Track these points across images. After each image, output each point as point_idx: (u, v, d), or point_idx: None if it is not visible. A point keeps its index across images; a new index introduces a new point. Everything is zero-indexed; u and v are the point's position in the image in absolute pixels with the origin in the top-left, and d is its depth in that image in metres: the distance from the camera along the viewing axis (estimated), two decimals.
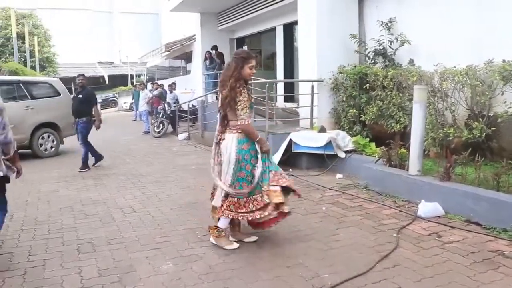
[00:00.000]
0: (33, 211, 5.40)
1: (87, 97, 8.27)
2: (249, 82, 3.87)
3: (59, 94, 10.65)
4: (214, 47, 14.87)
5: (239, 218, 3.81)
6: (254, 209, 3.71)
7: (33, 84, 10.51)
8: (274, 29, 13.05)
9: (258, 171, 3.69)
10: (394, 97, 6.78)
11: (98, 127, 8.36)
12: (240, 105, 3.64)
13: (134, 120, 21.18)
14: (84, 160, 8.24)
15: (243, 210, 3.72)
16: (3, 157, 3.52)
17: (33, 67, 26.67)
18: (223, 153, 3.76)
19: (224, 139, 3.78)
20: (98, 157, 8.60)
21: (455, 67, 5.89)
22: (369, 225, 4.44)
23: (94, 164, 8.48)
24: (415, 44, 7.25)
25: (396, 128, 6.81)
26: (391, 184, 5.48)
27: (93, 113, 8.28)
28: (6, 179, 3.63)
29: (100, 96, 32.90)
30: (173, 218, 4.89)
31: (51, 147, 10.26)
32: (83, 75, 8.55)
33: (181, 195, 5.99)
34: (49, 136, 10.25)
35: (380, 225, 4.43)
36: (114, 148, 11.43)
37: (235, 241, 3.95)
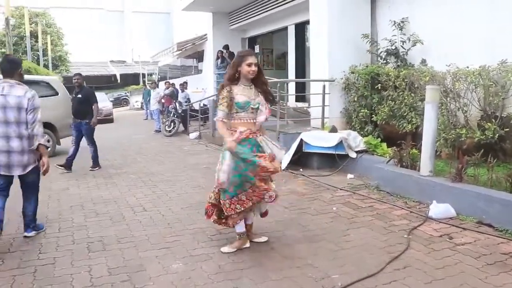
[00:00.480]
0: (43, 209, 5.43)
1: (86, 96, 8.11)
2: (259, 80, 3.80)
3: (57, 94, 10.28)
4: (226, 47, 14.89)
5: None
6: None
7: (29, 83, 10.23)
8: (285, 28, 13.03)
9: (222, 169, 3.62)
10: (406, 97, 6.73)
11: (94, 124, 8.16)
12: (219, 102, 3.71)
13: (146, 119, 21.31)
14: (94, 158, 8.23)
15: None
16: (31, 148, 4.13)
17: (45, 66, 26.88)
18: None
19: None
20: (97, 163, 8.31)
21: (468, 67, 5.83)
22: (380, 226, 4.42)
23: (92, 169, 8.14)
24: (427, 44, 7.19)
25: (407, 129, 6.76)
26: (403, 184, 5.45)
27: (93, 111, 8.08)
28: (30, 176, 4.25)
29: (112, 95, 33.26)
30: (183, 218, 4.91)
31: (47, 148, 9.95)
32: (79, 74, 8.46)
33: (191, 194, 6.01)
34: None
35: (391, 226, 4.41)
36: (125, 146, 11.51)
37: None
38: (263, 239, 4.04)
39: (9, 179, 4.16)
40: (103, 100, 21.70)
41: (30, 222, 4.42)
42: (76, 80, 8.24)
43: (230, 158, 3.58)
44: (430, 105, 5.12)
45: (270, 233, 4.25)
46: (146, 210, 5.29)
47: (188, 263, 3.63)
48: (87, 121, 8.04)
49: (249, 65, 3.65)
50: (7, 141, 4.04)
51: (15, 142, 4.06)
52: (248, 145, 3.66)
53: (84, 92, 8.17)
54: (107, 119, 20.34)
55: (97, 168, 8.18)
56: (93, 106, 8.13)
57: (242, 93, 3.69)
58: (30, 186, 4.37)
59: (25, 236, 4.37)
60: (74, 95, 8.24)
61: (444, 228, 4.28)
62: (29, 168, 4.20)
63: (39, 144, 4.14)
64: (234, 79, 3.71)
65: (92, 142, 8.19)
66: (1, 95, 4.07)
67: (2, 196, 4.14)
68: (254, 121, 3.74)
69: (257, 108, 3.72)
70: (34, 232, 4.43)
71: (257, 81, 3.79)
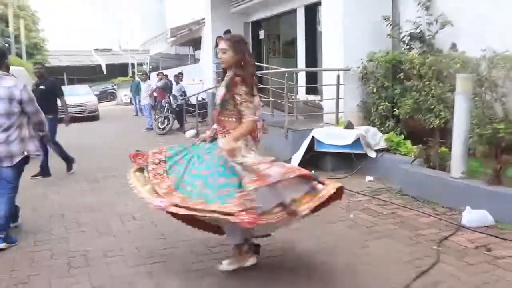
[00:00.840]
0: None
1: (50, 89, 7.93)
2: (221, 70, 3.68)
3: None
4: (227, 32, 14.86)
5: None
6: None
7: None
8: (294, 11, 12.98)
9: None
10: (433, 88, 6.68)
11: (67, 123, 8.03)
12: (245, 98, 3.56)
13: (135, 115, 21.34)
14: (44, 166, 7.76)
15: None
16: (39, 133, 4.97)
17: (18, 55, 26.88)
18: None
19: None
20: (71, 160, 8.21)
21: (507, 51, 5.76)
22: (405, 236, 4.39)
23: (69, 171, 8.08)
24: (458, 25, 7.11)
25: (435, 124, 6.70)
26: (430, 188, 5.42)
27: (62, 107, 7.95)
28: (26, 160, 4.66)
29: (96, 88, 33.30)
30: (179, 227, 4.80)
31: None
32: (40, 63, 8.47)
33: None
34: None
35: (418, 236, 4.37)
36: (112, 147, 11.51)
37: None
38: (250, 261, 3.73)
39: None
40: (87, 94, 21.64)
41: (1, 227, 4.39)
42: (38, 70, 8.14)
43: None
44: (462, 96, 5.08)
45: (278, 245, 4.22)
46: (136, 219, 5.27)
47: (185, 279, 3.59)
48: (51, 117, 7.46)
49: (218, 51, 3.58)
50: (22, 130, 4.57)
51: (3, 134, 4.40)
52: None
53: (47, 84, 8.00)
54: (92, 116, 20.11)
55: (40, 176, 7.70)
56: (60, 101, 7.98)
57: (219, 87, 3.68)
58: (9, 180, 4.51)
59: None
60: (35, 87, 7.87)
61: (480, 239, 4.23)
62: (17, 160, 4.49)
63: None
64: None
65: (54, 143, 7.79)
66: (17, 88, 4.51)
67: None
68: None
69: None
70: (4, 244, 4.38)
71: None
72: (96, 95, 25.70)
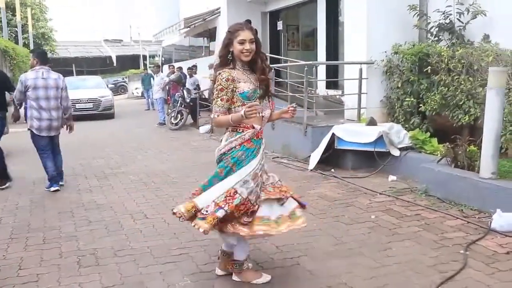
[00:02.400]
0: (25, 216, 5.54)
1: None
2: (256, 62, 3.48)
3: None
4: (248, 22, 14.88)
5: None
6: None
7: None
8: (315, 0, 12.96)
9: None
10: (462, 83, 6.63)
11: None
12: (214, 94, 3.41)
13: (147, 110, 21.51)
14: (2, 171, 7.12)
15: None
16: (65, 116, 6.96)
17: (26, 45, 27.12)
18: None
19: None
20: (6, 175, 7.18)
21: None
22: (429, 239, 4.37)
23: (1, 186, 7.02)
24: (491, 15, 7.03)
25: (464, 121, 6.66)
26: (457, 189, 5.38)
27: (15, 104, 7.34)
28: (58, 137, 7.04)
29: (107, 81, 33.54)
30: (192, 227, 4.90)
31: None
32: None
33: None
34: None
35: (443, 239, 4.35)
36: (123, 142, 11.64)
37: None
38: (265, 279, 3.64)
39: (48, 140, 6.77)
40: (100, 87, 19.87)
41: (60, 175, 6.98)
42: None
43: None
44: (494, 91, 5.03)
45: (296, 246, 4.23)
46: (148, 217, 5.33)
47: (198, 280, 3.64)
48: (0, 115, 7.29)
49: (242, 42, 3.35)
50: (49, 112, 6.62)
51: (54, 112, 6.69)
52: (257, 149, 3.45)
53: None
54: (107, 114, 18.34)
55: (6, 186, 7.04)
56: (10, 96, 7.45)
57: (245, 79, 3.40)
58: (58, 144, 7.08)
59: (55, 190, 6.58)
60: None
61: (511, 243, 4.19)
62: (60, 131, 6.98)
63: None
64: (226, 63, 3.43)
65: None
66: (42, 78, 6.59)
67: (49, 154, 6.79)
68: (262, 115, 3.49)
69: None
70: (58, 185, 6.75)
71: (255, 64, 3.47)
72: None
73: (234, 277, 3.60)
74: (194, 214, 3.35)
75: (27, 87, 6.51)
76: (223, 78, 3.32)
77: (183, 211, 3.34)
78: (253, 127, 3.38)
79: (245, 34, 3.35)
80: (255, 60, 3.45)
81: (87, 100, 17.99)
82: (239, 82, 3.36)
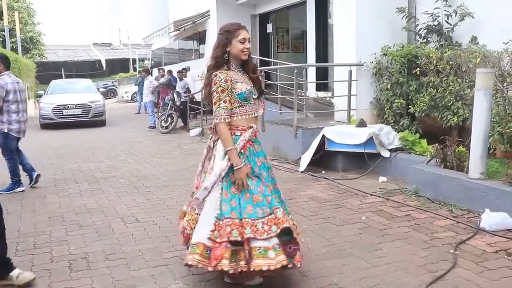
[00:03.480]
0: (15, 221, 5.48)
1: None
2: (249, 63, 3.53)
3: None
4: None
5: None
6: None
7: None
8: (304, 3, 13.01)
9: (204, 184, 3.44)
10: (451, 84, 6.68)
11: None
12: (213, 98, 3.36)
13: (137, 113, 21.45)
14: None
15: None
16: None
17: (14, 49, 26.93)
18: (215, 161, 3.49)
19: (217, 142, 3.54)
20: None
21: None
22: (419, 239, 4.40)
23: None
24: (479, 17, 7.10)
25: (453, 122, 6.70)
26: (447, 189, 5.41)
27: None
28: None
29: (96, 85, 33.36)
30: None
31: None
32: None
33: None
34: None
35: (433, 239, 4.38)
36: (113, 146, 11.59)
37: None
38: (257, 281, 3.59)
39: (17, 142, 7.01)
40: (90, 91, 18.24)
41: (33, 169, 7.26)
42: None
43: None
44: (482, 92, 5.07)
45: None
46: (139, 221, 5.32)
47: (190, 283, 3.64)
48: None
49: (243, 41, 3.38)
50: (24, 114, 6.92)
51: (26, 114, 7.01)
52: (258, 153, 3.49)
53: None
54: (97, 121, 16.76)
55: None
56: None
57: (241, 79, 3.43)
58: None
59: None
60: None
61: (500, 243, 4.23)
62: None
63: None
64: (222, 64, 3.42)
65: None
66: (16, 82, 6.84)
67: (16, 156, 6.99)
68: (256, 115, 3.54)
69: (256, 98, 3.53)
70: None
71: (247, 64, 3.51)
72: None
73: (227, 279, 3.59)
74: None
75: (8, 91, 6.63)
76: (221, 79, 3.32)
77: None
78: (251, 127, 3.44)
79: (245, 33, 3.41)
80: (247, 60, 3.48)
81: (75, 106, 16.32)
82: (236, 82, 3.38)
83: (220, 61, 3.42)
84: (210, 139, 3.66)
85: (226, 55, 3.41)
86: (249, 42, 3.42)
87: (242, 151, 3.39)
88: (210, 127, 3.64)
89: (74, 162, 9.29)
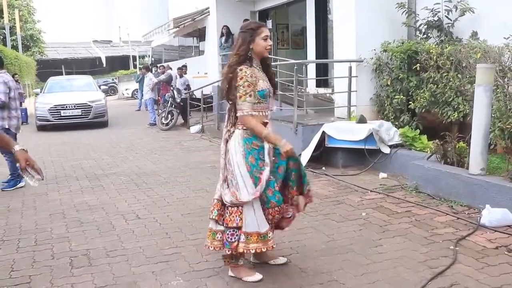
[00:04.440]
0: (16, 218, 5.51)
1: None
2: (269, 59, 3.69)
3: None
4: (246, 21, 14.88)
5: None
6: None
7: None
8: None
9: (264, 175, 3.46)
10: (451, 80, 6.67)
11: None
12: (239, 91, 3.42)
13: (138, 110, 21.44)
14: None
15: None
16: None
17: (14, 47, 26.90)
18: (231, 156, 3.54)
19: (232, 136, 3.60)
20: None
21: None
22: (420, 235, 4.40)
23: None
24: (479, 12, 7.09)
25: (453, 117, 6.70)
26: (447, 185, 5.41)
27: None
28: None
29: (96, 82, 33.37)
30: (184, 226, 4.94)
31: None
32: None
33: (193, 199, 6.05)
34: None
35: (433, 235, 4.38)
36: (113, 143, 11.60)
37: (257, 262, 3.87)
38: (282, 260, 3.89)
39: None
40: (90, 89, 16.79)
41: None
42: None
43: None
44: (482, 87, 5.07)
45: (287, 244, 4.25)
46: (140, 217, 5.33)
47: (190, 279, 3.65)
48: None
49: (265, 38, 3.51)
50: (18, 111, 7.21)
51: (19, 111, 7.29)
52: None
53: None
54: (98, 122, 15.25)
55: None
56: None
57: (262, 77, 3.53)
58: None
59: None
60: None
61: (501, 239, 4.24)
62: None
63: None
64: (245, 61, 3.50)
65: None
66: (12, 80, 7.13)
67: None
68: (268, 112, 3.64)
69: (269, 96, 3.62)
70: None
71: (266, 62, 3.66)
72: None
73: (230, 273, 3.63)
74: None
75: (11, 88, 6.97)
76: (247, 74, 3.42)
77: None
78: (266, 123, 3.57)
79: (267, 31, 3.54)
80: (266, 58, 3.62)
81: (74, 106, 14.92)
82: (259, 80, 3.48)
83: (244, 58, 3.52)
84: (225, 133, 3.67)
85: (250, 52, 3.51)
86: (270, 39, 3.56)
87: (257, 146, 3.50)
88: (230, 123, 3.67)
89: (75, 159, 9.30)
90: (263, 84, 3.50)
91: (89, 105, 15.08)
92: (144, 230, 4.87)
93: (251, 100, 3.42)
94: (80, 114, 14.94)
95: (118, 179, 7.43)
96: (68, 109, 14.92)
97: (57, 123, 14.91)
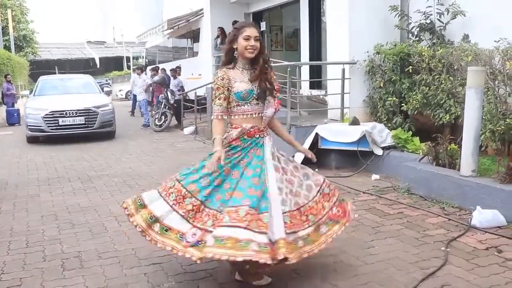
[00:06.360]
0: (7, 220, 5.47)
1: None
2: (265, 60, 3.51)
3: None
4: (235, 22, 14.89)
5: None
6: None
7: None
8: (297, 1, 13.01)
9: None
10: (443, 82, 6.70)
11: None
12: (214, 94, 3.42)
13: (132, 115, 21.35)
14: None
15: None
16: None
17: (7, 47, 26.75)
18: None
19: None
20: None
21: None
22: (411, 236, 4.42)
23: None
24: (471, 15, 7.14)
25: (445, 119, 6.73)
26: (439, 187, 5.44)
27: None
28: None
29: None
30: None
31: None
32: None
33: None
34: None
35: (425, 237, 4.40)
36: (106, 144, 11.57)
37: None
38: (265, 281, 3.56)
39: None
40: (92, 91, 13.69)
41: None
42: None
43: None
44: (473, 90, 5.09)
45: None
46: None
47: (183, 281, 3.65)
48: None
49: (247, 38, 3.34)
50: None
51: None
52: (252, 150, 3.43)
53: None
54: (105, 132, 12.43)
55: None
56: None
57: (241, 79, 3.40)
58: None
59: None
60: None
61: (491, 240, 4.26)
62: None
63: None
64: (231, 61, 3.47)
65: None
66: None
67: None
68: (259, 115, 3.50)
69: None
70: None
71: (256, 63, 3.46)
72: None
73: (237, 277, 3.56)
74: None
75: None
76: (218, 77, 3.40)
77: None
78: (241, 126, 3.43)
79: (251, 31, 3.38)
80: (258, 60, 3.45)
81: (76, 113, 11.82)
82: (235, 81, 3.39)
83: (228, 57, 3.48)
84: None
85: (235, 52, 3.44)
86: (256, 40, 3.37)
87: (234, 143, 3.43)
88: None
89: (68, 160, 9.26)
90: (240, 86, 3.38)
91: (95, 112, 12.02)
92: (136, 232, 4.81)
93: (220, 103, 3.38)
94: (84, 122, 11.89)
95: (110, 180, 7.41)
96: (68, 117, 11.80)
97: (54, 134, 11.76)
